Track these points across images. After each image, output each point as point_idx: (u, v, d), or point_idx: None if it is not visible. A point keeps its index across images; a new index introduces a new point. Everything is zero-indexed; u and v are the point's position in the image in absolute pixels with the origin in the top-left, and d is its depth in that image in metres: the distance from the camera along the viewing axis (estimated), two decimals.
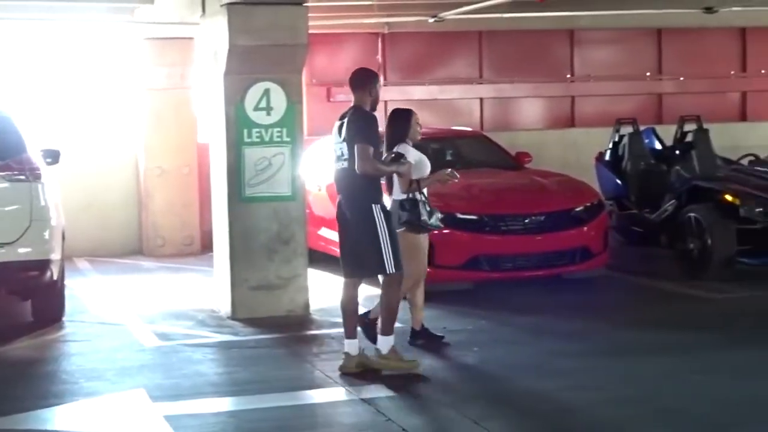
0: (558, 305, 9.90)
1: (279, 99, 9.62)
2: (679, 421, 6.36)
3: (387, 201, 7.83)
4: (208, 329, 9.29)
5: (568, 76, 16.82)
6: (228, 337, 8.96)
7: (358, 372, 7.54)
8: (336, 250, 11.81)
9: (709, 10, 15.09)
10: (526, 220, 10.41)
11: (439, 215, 8.13)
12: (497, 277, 10.42)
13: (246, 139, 9.58)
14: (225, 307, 9.81)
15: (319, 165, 12.47)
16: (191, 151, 14.02)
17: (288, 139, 9.68)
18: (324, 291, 10.74)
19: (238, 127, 9.58)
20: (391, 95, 15.86)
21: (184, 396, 7.15)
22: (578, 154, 15.17)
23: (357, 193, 7.48)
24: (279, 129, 9.66)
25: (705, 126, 12.67)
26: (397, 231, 7.74)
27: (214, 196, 10.08)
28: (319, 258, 12.01)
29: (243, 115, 9.56)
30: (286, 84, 9.65)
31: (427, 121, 15.45)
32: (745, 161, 12.48)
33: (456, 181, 8.46)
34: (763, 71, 17.53)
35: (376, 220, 7.41)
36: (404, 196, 8.05)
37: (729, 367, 7.55)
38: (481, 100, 16.40)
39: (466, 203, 10.46)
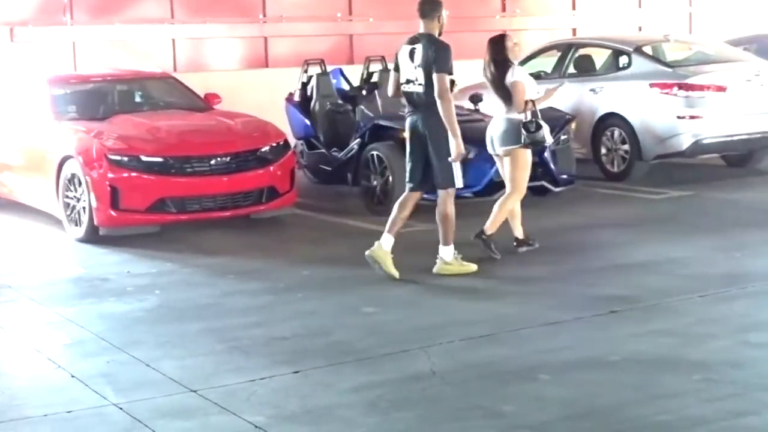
0: (243, 245, 10.03)
1: None
2: (347, 353, 6.59)
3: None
4: None
5: (261, 16, 16.89)
6: None
7: (452, 275, 8.41)
8: (19, 197, 11.58)
9: None
10: (212, 162, 10.40)
11: (548, 129, 8.93)
12: (184, 219, 10.38)
13: None
14: None
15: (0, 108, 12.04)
16: None
17: None
18: (4, 238, 10.44)
19: None
20: (80, 35, 15.45)
21: None
22: (272, 94, 15.26)
23: (433, 113, 8.20)
24: None
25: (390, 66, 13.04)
26: (510, 148, 8.82)
27: None
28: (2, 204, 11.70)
29: None
30: None
31: (117, 63, 15.20)
32: None
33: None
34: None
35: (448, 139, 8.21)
36: (523, 117, 8.76)
37: (394, 301, 7.87)
38: (174, 41, 16.22)
39: (151, 146, 10.35)
